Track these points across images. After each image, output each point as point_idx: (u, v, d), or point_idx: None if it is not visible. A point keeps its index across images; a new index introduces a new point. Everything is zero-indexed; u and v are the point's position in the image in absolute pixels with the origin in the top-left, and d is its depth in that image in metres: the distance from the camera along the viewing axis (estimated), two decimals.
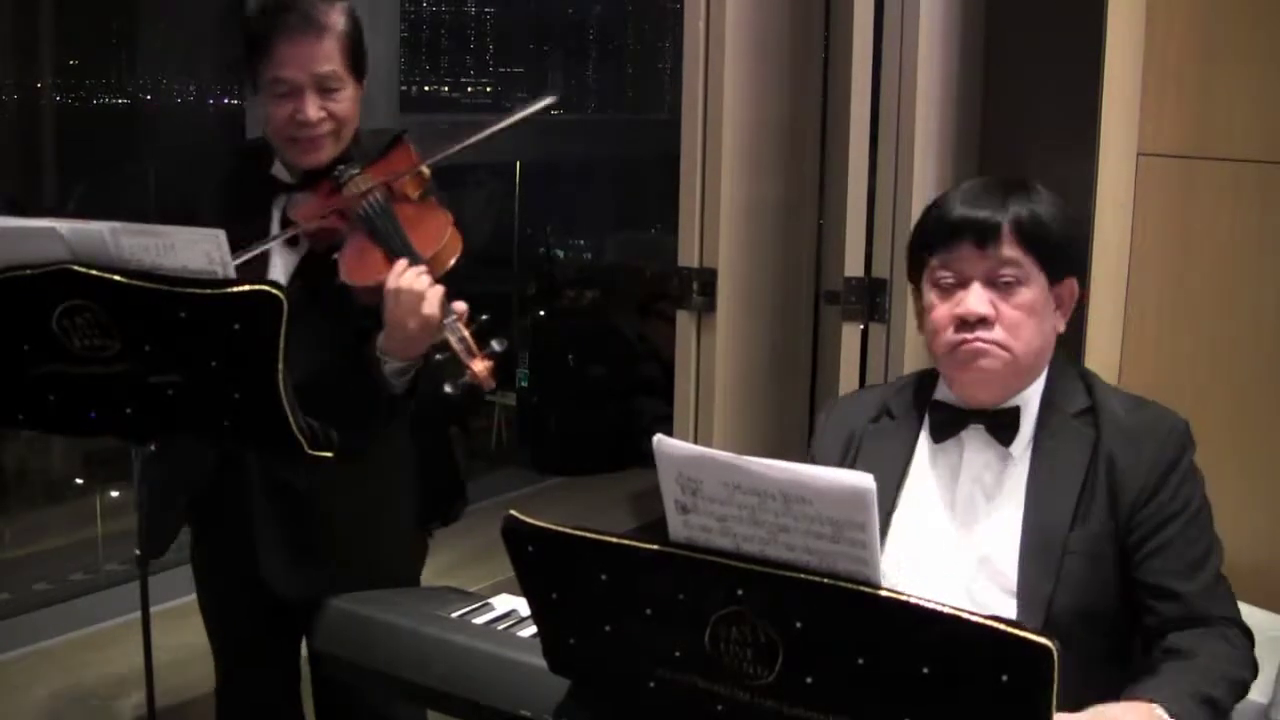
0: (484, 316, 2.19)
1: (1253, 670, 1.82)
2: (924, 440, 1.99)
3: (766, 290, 3.34)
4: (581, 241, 6.64)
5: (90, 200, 4.24)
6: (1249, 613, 1.95)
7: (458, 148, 2.36)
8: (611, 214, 6.70)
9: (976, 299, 1.87)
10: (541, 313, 5.69)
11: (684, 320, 3.24)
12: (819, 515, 1.36)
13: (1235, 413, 2.63)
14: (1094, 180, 2.68)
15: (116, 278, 1.92)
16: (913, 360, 3.05)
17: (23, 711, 3.14)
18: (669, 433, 1.47)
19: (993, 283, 1.88)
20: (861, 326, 3.10)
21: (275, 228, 2.36)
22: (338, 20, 2.29)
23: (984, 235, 1.87)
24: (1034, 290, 1.88)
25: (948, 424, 1.95)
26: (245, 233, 2.32)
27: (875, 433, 2.03)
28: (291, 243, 2.35)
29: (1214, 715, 1.73)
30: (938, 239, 1.91)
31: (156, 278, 1.92)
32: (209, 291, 1.92)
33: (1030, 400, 1.93)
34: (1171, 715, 1.68)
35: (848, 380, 3.10)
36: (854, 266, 3.07)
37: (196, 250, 1.95)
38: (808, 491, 1.36)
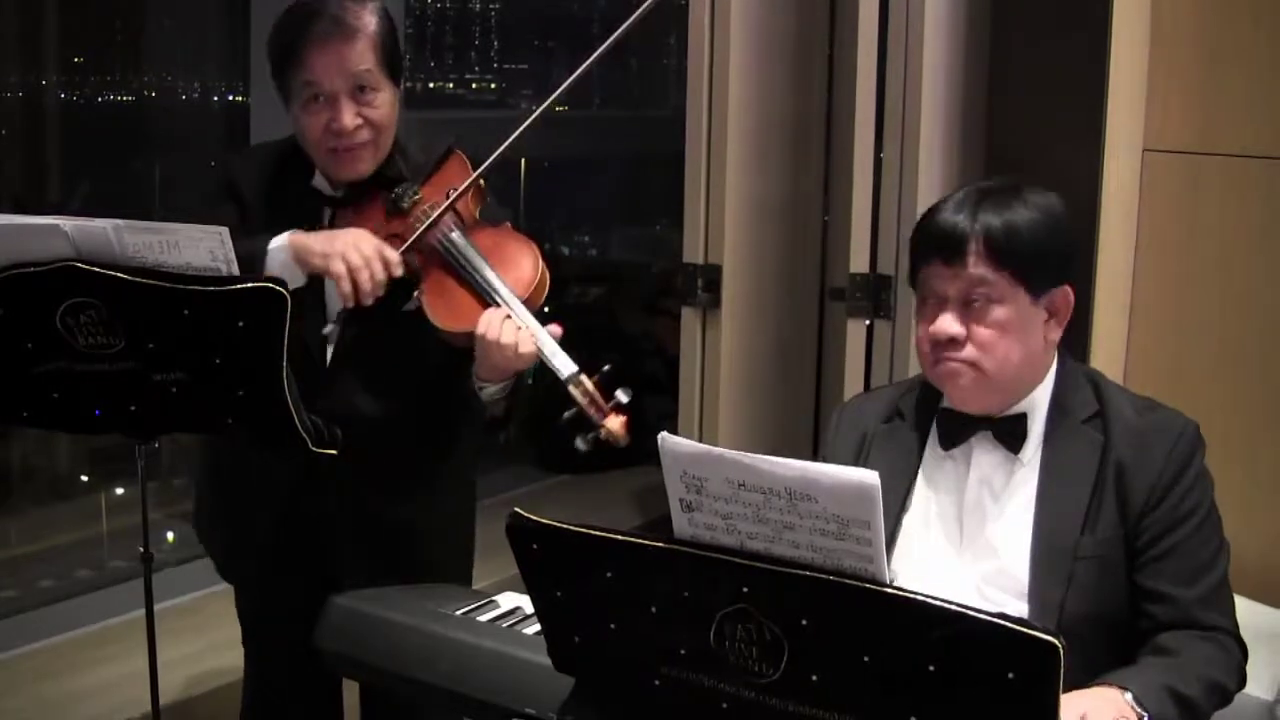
0: (606, 368, 2.13)
1: (1238, 680, 1.82)
2: (933, 443, 1.97)
3: (771, 287, 3.33)
4: (586, 238, 6.63)
5: (95, 198, 4.24)
6: (1256, 610, 1.95)
7: (503, 147, 2.27)
8: (616, 210, 6.68)
9: (946, 320, 1.86)
10: (546, 310, 5.67)
11: (689, 317, 3.23)
12: (824, 512, 1.36)
13: (1241, 409, 2.62)
14: (1099, 176, 2.67)
15: (120, 275, 1.92)
16: (917, 358, 3.04)
17: (28, 708, 3.14)
18: (674, 430, 1.46)
19: (966, 303, 1.85)
20: (867, 323, 3.09)
21: None
22: (369, 21, 2.21)
23: (951, 254, 1.84)
24: (1009, 308, 1.84)
25: (955, 431, 1.94)
26: None
27: (886, 434, 2.02)
28: None
29: (1185, 713, 1.72)
30: (915, 255, 1.91)
31: (160, 275, 1.93)
32: (213, 289, 1.92)
33: (1038, 406, 1.91)
34: (1140, 704, 1.68)
35: (853, 377, 3.09)
36: (859, 263, 3.06)
37: (200, 247, 1.95)
38: (813, 489, 1.36)
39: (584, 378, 2.10)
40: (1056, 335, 1.92)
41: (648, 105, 6.75)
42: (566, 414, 2.11)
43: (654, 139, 5.94)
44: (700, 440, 1.47)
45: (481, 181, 2.31)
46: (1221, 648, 1.80)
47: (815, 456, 3.40)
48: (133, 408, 2.03)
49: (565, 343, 2.18)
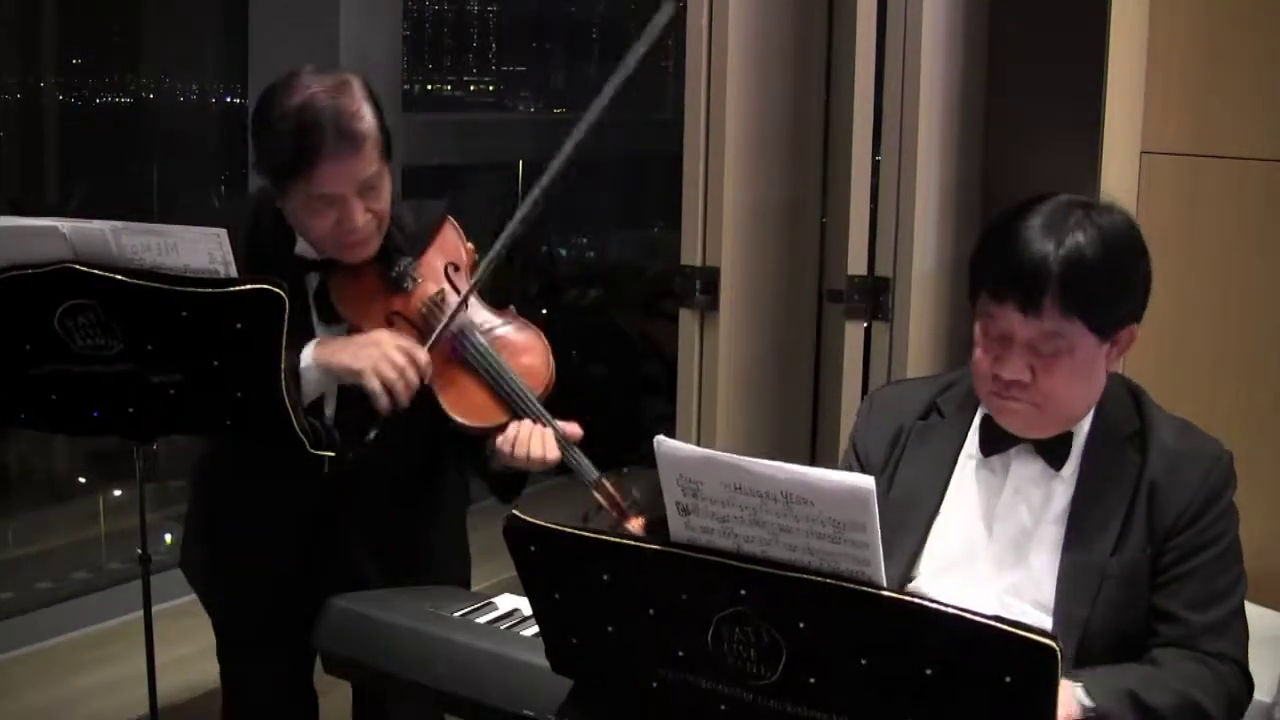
0: (626, 470, 2.21)
1: (1225, 709, 1.78)
2: (971, 446, 1.95)
3: (769, 289, 3.33)
4: (584, 240, 6.62)
5: (93, 199, 4.24)
6: (1254, 612, 1.94)
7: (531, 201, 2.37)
8: (614, 212, 6.68)
9: (1014, 367, 1.80)
10: (544, 311, 5.68)
11: (686, 319, 3.23)
12: (820, 516, 1.36)
13: (1241, 411, 2.62)
14: (1098, 179, 2.67)
15: (118, 277, 1.92)
16: (916, 359, 3.04)
17: (25, 711, 3.14)
18: (671, 432, 1.46)
19: (1034, 348, 1.80)
20: (865, 325, 3.09)
21: (313, 310, 2.24)
22: (369, 121, 2.13)
23: (1027, 302, 1.76)
24: (1078, 355, 1.80)
25: (997, 440, 1.91)
26: None
27: (923, 430, 1.99)
28: (328, 319, 2.24)
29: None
30: (987, 282, 1.82)
31: (158, 277, 1.93)
32: (210, 290, 1.92)
33: (1082, 424, 1.90)
34: (1091, 699, 1.67)
35: (851, 379, 3.09)
36: (857, 265, 3.06)
37: (198, 249, 1.95)
38: (809, 492, 1.36)
39: (605, 482, 2.18)
40: (1117, 364, 1.91)
41: (645, 108, 6.76)
42: (589, 511, 2.21)
43: (652, 141, 5.94)
44: (698, 443, 1.47)
45: (473, 249, 2.34)
46: (1211, 671, 1.78)
47: (814, 458, 3.41)
48: (131, 409, 2.03)
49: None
